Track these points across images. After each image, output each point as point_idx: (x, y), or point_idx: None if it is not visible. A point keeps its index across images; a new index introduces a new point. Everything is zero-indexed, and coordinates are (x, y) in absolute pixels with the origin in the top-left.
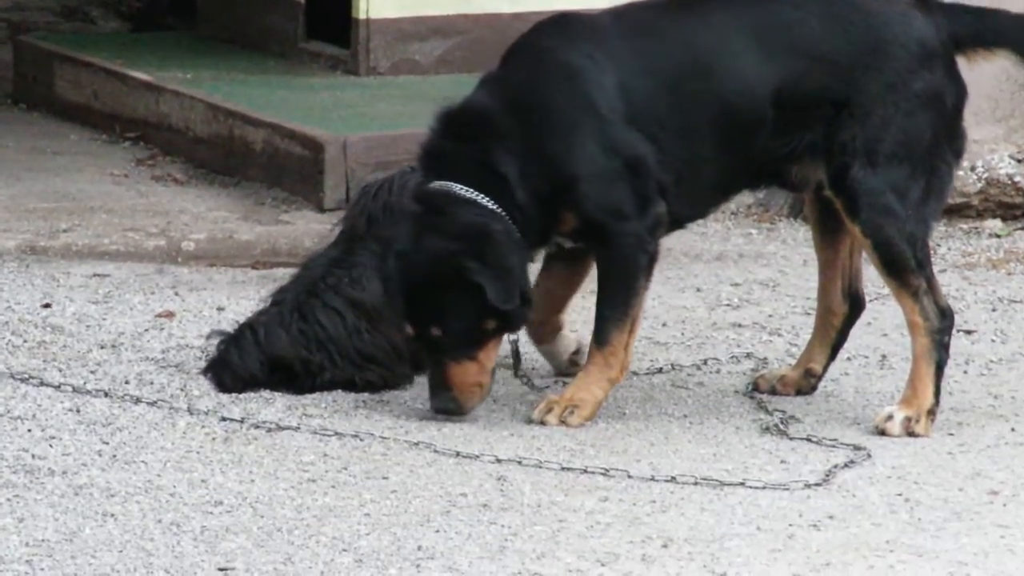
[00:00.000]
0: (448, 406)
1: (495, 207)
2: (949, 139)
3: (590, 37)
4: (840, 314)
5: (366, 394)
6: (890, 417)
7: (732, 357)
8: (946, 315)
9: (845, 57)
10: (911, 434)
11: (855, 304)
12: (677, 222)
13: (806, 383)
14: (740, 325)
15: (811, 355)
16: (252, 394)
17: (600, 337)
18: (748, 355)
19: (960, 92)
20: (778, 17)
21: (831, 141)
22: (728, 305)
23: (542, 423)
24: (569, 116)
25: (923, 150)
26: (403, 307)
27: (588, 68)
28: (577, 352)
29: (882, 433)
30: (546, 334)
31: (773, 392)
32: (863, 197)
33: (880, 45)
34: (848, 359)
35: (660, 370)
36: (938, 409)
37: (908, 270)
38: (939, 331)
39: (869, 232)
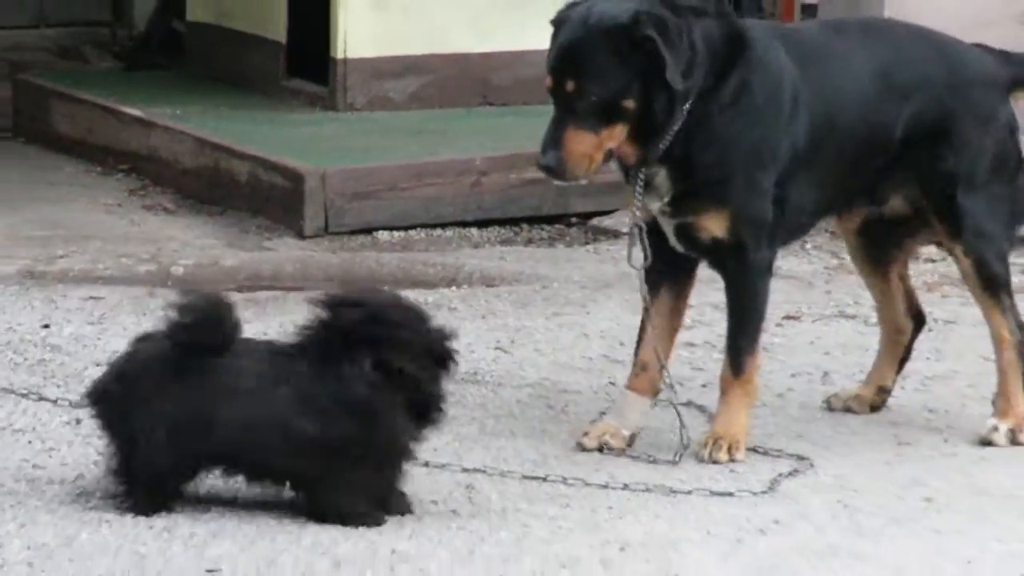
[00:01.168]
0: (551, 163)
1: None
2: (1021, 163)
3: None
4: (907, 332)
5: None
6: (995, 429)
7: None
8: (1022, 329)
9: (950, 91)
10: (1016, 442)
11: (918, 321)
12: (791, 239)
13: (879, 399)
14: (693, 344)
15: (882, 373)
16: None
17: (736, 367)
18: (700, 371)
19: (1018, 125)
20: (900, 52)
21: (935, 168)
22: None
23: (714, 461)
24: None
25: (1009, 174)
26: (558, 55)
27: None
28: (634, 437)
29: (988, 444)
30: (639, 383)
31: (848, 410)
32: (966, 219)
33: (969, 80)
34: (793, 376)
35: (615, 384)
36: None
37: (1001, 288)
38: (1021, 343)
39: (971, 252)
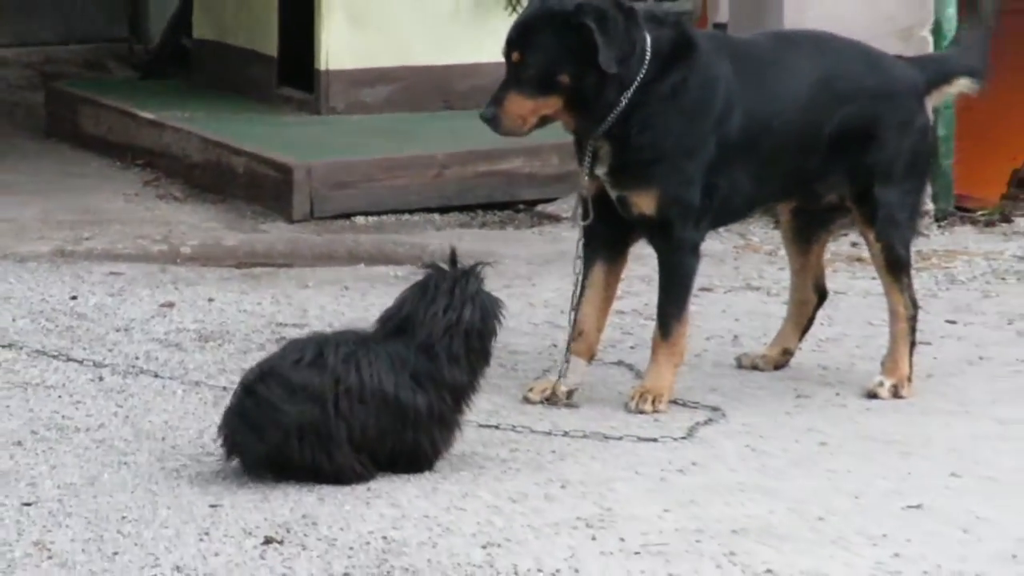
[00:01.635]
0: (488, 116)
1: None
2: (930, 166)
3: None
4: (812, 303)
5: None
6: (881, 383)
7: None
8: (915, 306)
9: (876, 100)
10: (897, 396)
11: (822, 294)
12: (724, 222)
13: (783, 359)
14: (623, 312)
15: (786, 338)
16: (233, 366)
17: (665, 331)
18: (629, 335)
19: (931, 126)
20: (841, 64)
21: (859, 164)
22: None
23: (640, 412)
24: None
25: (919, 173)
26: (512, 30)
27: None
28: (571, 392)
29: (874, 396)
30: (579, 347)
31: (755, 368)
32: (880, 210)
33: (895, 91)
34: (707, 339)
35: (556, 346)
36: (912, 377)
37: (903, 269)
38: (912, 318)
39: (881, 238)
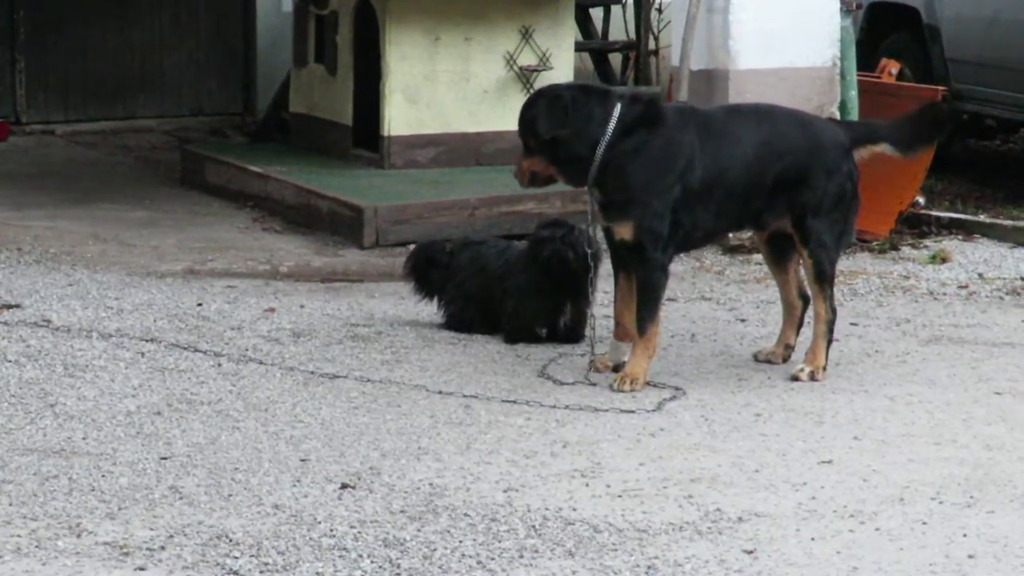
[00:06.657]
0: (512, 173)
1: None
2: (856, 202)
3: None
4: (799, 307)
5: (388, 355)
6: (802, 369)
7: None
8: (834, 312)
9: (807, 153)
10: (814, 379)
11: (805, 300)
12: (688, 248)
13: (786, 353)
14: (609, 316)
15: (786, 336)
16: (319, 356)
17: (640, 330)
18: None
19: (857, 173)
20: (778, 129)
21: (795, 201)
22: (603, 304)
23: (621, 391)
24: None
25: (843, 208)
26: (519, 120)
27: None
28: (617, 366)
29: (796, 379)
30: (619, 333)
31: (768, 361)
32: (812, 235)
33: (823, 145)
34: (672, 336)
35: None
36: (826, 365)
37: (827, 281)
38: (830, 322)
39: (812, 256)
